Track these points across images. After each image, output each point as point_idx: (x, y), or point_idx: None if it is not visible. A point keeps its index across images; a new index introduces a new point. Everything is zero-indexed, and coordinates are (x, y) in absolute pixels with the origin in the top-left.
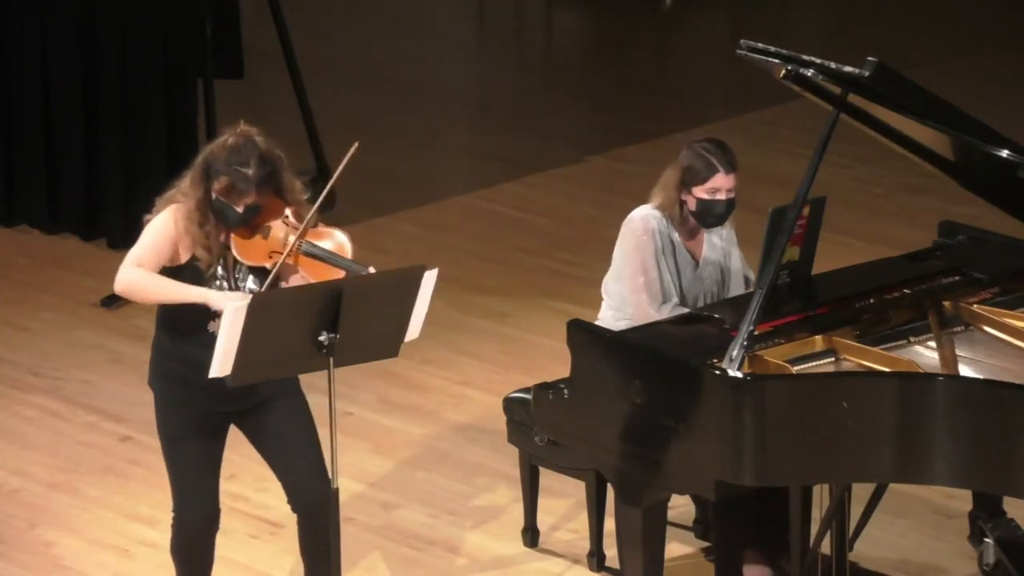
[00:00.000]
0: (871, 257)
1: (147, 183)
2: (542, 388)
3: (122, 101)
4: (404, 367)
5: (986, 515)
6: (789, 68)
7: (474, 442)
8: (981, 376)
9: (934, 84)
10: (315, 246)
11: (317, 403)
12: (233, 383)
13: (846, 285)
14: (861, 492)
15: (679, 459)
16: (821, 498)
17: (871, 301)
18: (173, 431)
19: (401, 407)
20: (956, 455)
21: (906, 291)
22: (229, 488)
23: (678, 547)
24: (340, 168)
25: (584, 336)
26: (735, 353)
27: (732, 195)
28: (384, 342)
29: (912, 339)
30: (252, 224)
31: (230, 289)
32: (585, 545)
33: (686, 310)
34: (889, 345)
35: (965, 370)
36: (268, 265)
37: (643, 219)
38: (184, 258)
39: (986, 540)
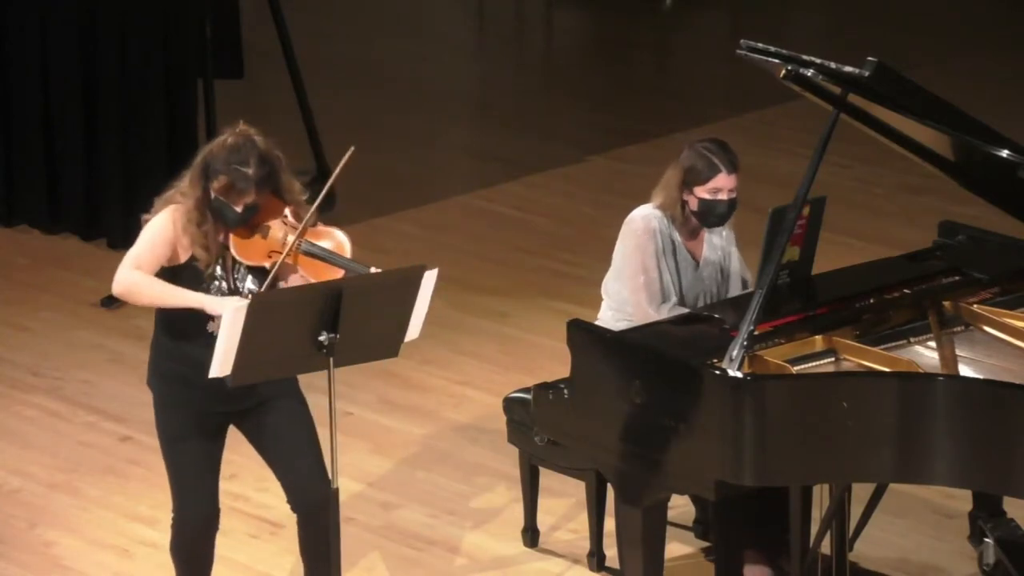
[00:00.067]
0: (871, 257)
1: (147, 183)
2: (542, 388)
3: (122, 101)
4: (404, 367)
5: (986, 515)
6: (789, 68)
7: (474, 442)
8: (981, 376)
9: (934, 84)
10: (314, 245)
11: (317, 403)
12: (233, 383)
13: (846, 285)
14: (861, 492)
15: (679, 459)
16: (821, 498)
17: (871, 301)
18: (173, 431)
19: (401, 407)
20: (956, 455)
21: (906, 291)
22: (229, 488)
23: (678, 547)
24: (336, 172)
25: (584, 336)
26: (735, 353)
27: (734, 195)
28: (384, 342)
29: (912, 339)
30: (251, 224)
31: (229, 289)
32: (585, 545)
33: (685, 310)
34: (889, 345)
35: (965, 370)
36: (267, 265)
37: (644, 219)
38: (183, 258)
39: (986, 540)
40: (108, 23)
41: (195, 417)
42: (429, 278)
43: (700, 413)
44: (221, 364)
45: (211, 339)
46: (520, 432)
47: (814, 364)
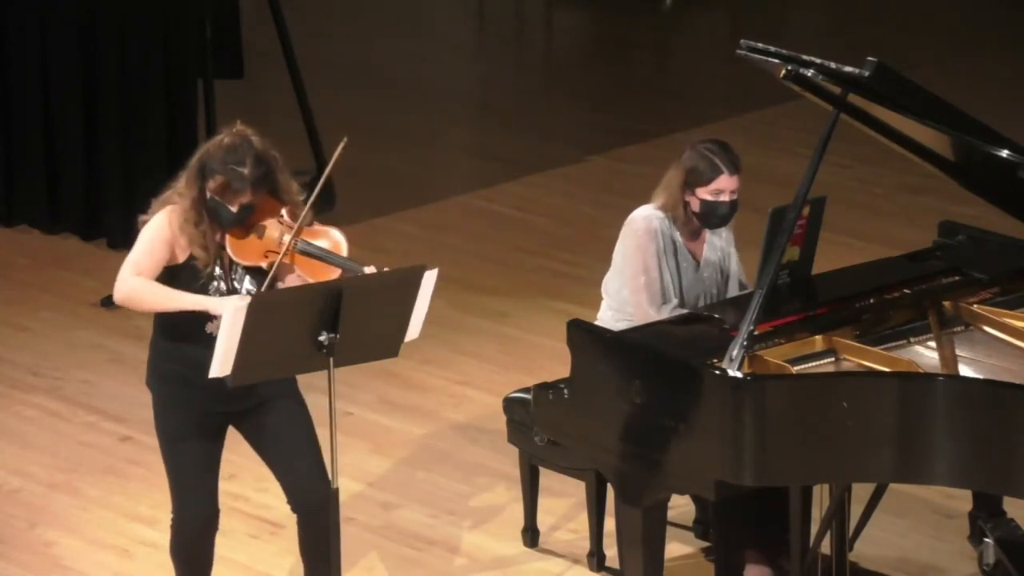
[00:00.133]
0: (871, 257)
1: (147, 183)
2: (542, 388)
3: (122, 101)
4: (404, 367)
5: (986, 515)
6: (789, 68)
7: (474, 442)
8: (981, 376)
9: (934, 84)
10: (311, 245)
11: (317, 403)
12: (233, 383)
13: (846, 285)
14: (861, 492)
15: (679, 459)
16: (821, 498)
17: (871, 301)
18: (172, 431)
19: (401, 407)
20: (956, 455)
21: (906, 291)
22: (229, 488)
23: (678, 547)
24: (331, 164)
25: (584, 336)
26: (735, 353)
27: (735, 196)
28: (384, 342)
29: (912, 339)
30: (247, 224)
31: (227, 289)
32: (585, 545)
33: (685, 311)
34: (889, 345)
35: (965, 370)
36: (264, 265)
37: (645, 219)
38: (181, 258)
39: (986, 540)
40: (108, 23)
41: (195, 417)
42: (429, 278)
43: (700, 413)
44: (221, 364)
45: (210, 339)
46: (520, 432)
47: (814, 364)
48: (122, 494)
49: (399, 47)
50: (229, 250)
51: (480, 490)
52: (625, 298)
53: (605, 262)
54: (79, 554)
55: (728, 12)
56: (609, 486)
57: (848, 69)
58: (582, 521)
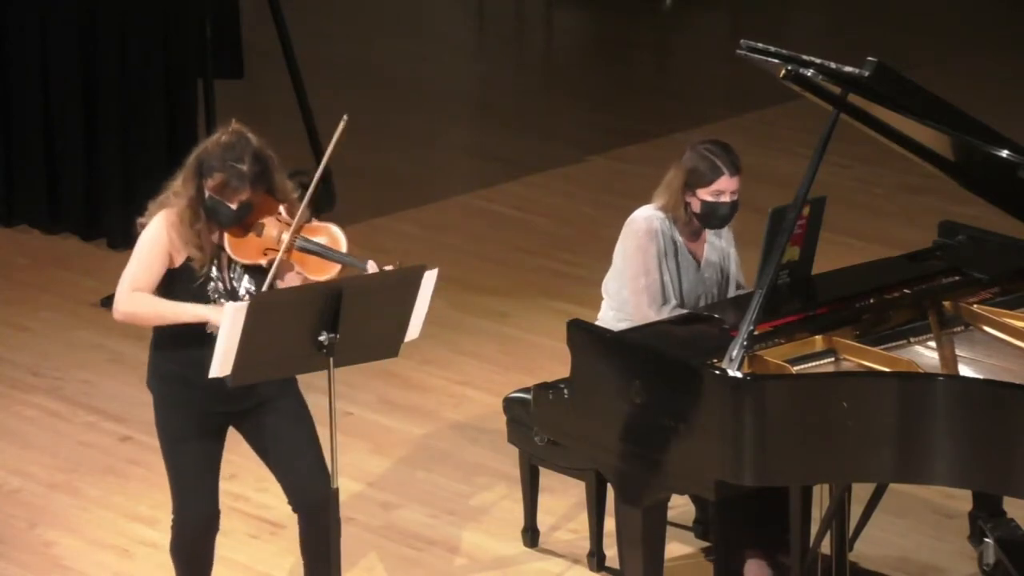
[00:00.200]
0: (871, 257)
1: (147, 183)
2: (542, 388)
3: (122, 101)
4: (404, 367)
5: (986, 515)
6: (789, 68)
7: (474, 442)
8: (981, 376)
9: (934, 84)
10: (309, 241)
11: (317, 403)
12: (233, 383)
13: (846, 285)
14: (861, 492)
15: (679, 459)
16: (821, 498)
17: (871, 301)
18: (173, 432)
19: (401, 407)
20: (956, 455)
21: (906, 291)
22: (229, 488)
23: (678, 547)
24: (332, 144)
25: (584, 336)
26: (735, 353)
27: (736, 197)
28: (384, 342)
29: (912, 339)
30: (245, 223)
31: (226, 289)
32: (585, 545)
33: (685, 311)
34: (889, 345)
35: (965, 370)
36: (263, 263)
37: (646, 220)
38: (179, 261)
39: (986, 540)
40: (108, 23)
41: (195, 417)
42: (429, 278)
43: (700, 413)
44: (221, 364)
45: (210, 339)
46: (520, 432)
47: (814, 364)
48: (122, 494)
49: (399, 47)
50: (228, 249)
51: (480, 490)
52: (625, 298)
53: (605, 262)
54: (79, 554)
55: (728, 12)
56: (609, 486)
57: (848, 69)
58: (582, 521)
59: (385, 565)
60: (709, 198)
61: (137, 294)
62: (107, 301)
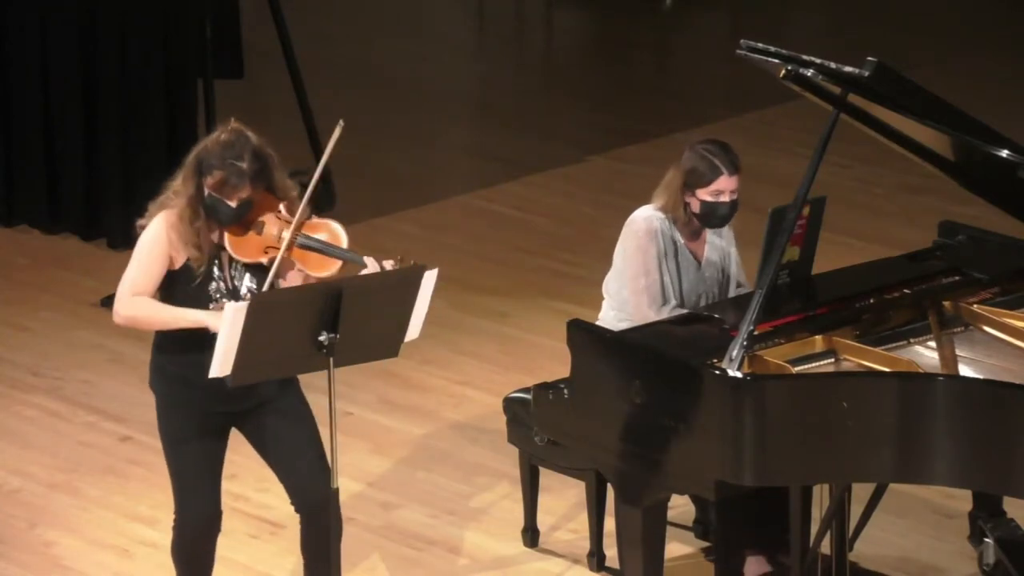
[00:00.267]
0: (871, 257)
1: (147, 183)
2: (542, 388)
3: (122, 101)
4: (404, 367)
5: (986, 515)
6: (789, 68)
7: (474, 442)
8: (981, 376)
9: (934, 84)
10: (310, 238)
11: (317, 403)
12: (233, 383)
13: (846, 285)
14: (861, 492)
15: (679, 459)
16: (821, 498)
17: (871, 301)
18: (175, 432)
19: (401, 407)
20: (956, 455)
21: (906, 291)
22: (229, 488)
23: (678, 547)
24: (328, 150)
25: (584, 336)
26: (735, 353)
27: (736, 196)
28: (384, 342)
29: (912, 339)
30: (245, 221)
31: (227, 288)
32: (585, 545)
33: (686, 311)
34: (889, 345)
35: (965, 370)
36: (264, 261)
37: (646, 220)
38: (179, 262)
39: (986, 540)
40: (108, 23)
41: (197, 417)
42: (429, 278)
43: (700, 413)
44: (221, 364)
45: (212, 339)
46: (520, 432)
47: (814, 364)
48: (122, 494)
49: (399, 47)
50: (229, 248)
51: (480, 490)
52: (626, 298)
53: (605, 262)
54: (79, 554)
55: (728, 12)
56: (609, 486)
57: (848, 69)
58: (582, 521)
59: (385, 565)
60: (708, 198)
61: (137, 298)
62: (107, 301)
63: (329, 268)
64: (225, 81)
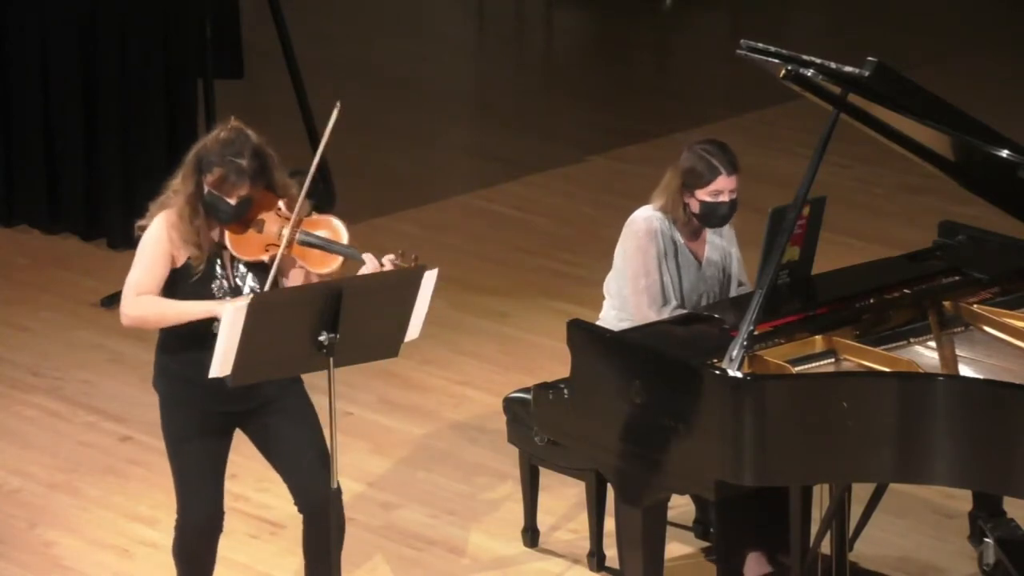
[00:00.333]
0: (871, 257)
1: (147, 183)
2: (542, 388)
3: (122, 101)
4: (404, 367)
5: (986, 515)
6: (789, 68)
7: (474, 442)
8: (981, 376)
9: (934, 84)
10: (310, 235)
11: (317, 403)
12: (233, 383)
13: (846, 285)
14: (861, 492)
15: (679, 459)
16: (821, 498)
17: (871, 301)
18: (177, 431)
19: (401, 407)
20: (956, 455)
21: (906, 291)
22: (229, 488)
23: (678, 547)
24: (327, 133)
25: (584, 336)
26: (735, 353)
27: (735, 196)
28: (384, 342)
29: (912, 339)
30: (245, 219)
31: (229, 287)
32: (585, 545)
33: (686, 311)
34: (889, 345)
35: (965, 370)
36: (265, 259)
37: (646, 220)
38: (180, 261)
39: (986, 540)
40: (108, 23)
41: (199, 417)
42: (429, 278)
43: (700, 413)
44: (221, 364)
45: (214, 338)
46: (520, 432)
47: (814, 364)
48: (122, 494)
49: (399, 47)
50: (229, 246)
51: (480, 490)
52: (626, 298)
53: (605, 262)
54: (79, 554)
55: (728, 12)
56: (609, 486)
57: (848, 69)
58: (582, 521)
59: (385, 565)
60: (708, 198)
61: (143, 298)
62: (107, 301)
63: (331, 264)
64: (225, 81)
